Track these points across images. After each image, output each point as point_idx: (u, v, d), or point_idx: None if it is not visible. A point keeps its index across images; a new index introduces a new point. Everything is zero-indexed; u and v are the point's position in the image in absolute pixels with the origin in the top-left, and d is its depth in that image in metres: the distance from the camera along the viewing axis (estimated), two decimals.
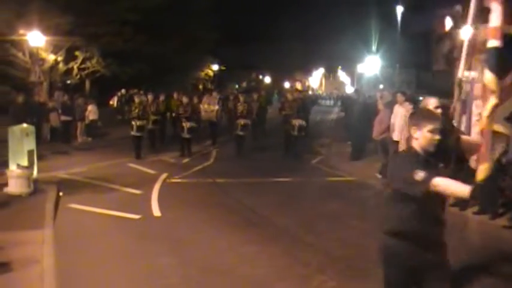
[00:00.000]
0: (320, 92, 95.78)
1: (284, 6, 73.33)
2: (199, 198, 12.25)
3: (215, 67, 55.71)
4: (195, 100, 21.51)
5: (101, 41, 29.33)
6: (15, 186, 11.19)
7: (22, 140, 12.15)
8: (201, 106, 22.98)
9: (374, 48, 47.27)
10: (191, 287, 6.81)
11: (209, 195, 12.60)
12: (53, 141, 20.92)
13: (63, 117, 21.53)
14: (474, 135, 6.92)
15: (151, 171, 15.15)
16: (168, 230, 9.48)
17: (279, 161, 17.70)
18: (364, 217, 10.40)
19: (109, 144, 20.95)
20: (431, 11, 22.18)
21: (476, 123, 9.10)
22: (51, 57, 28.12)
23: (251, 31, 65.33)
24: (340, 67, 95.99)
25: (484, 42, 4.41)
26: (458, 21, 17.60)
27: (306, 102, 23.20)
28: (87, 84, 35.19)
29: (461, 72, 8.00)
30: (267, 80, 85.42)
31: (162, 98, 21.47)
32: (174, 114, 20.68)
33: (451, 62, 19.27)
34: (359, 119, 17.69)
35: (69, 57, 29.77)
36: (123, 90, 31.83)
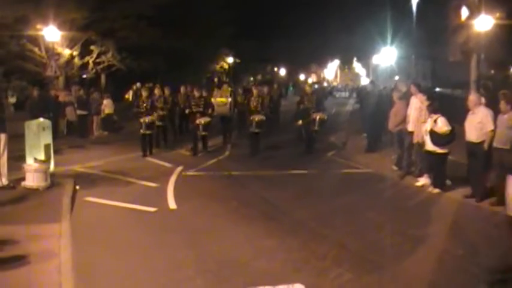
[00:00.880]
0: (335, 83, 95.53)
1: None
2: (215, 191, 12.27)
3: (230, 60, 55.54)
4: (204, 93, 19.27)
5: (117, 35, 29.46)
6: (32, 180, 11.29)
7: (39, 135, 12.26)
8: (213, 100, 20.89)
9: (389, 39, 46.86)
10: (208, 279, 6.81)
11: (225, 188, 12.62)
12: (69, 135, 21.10)
13: (79, 112, 21.68)
14: None
15: (167, 165, 15.20)
16: (184, 222, 9.51)
17: (294, 154, 17.57)
18: (380, 209, 10.37)
19: (125, 138, 21.02)
20: (447, 0, 21.93)
21: None
22: (66, 52, 28.30)
23: (266, 23, 64.95)
24: (355, 59, 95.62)
25: None
26: (474, 10, 17.40)
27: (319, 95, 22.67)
28: (103, 78, 35.33)
29: None
30: (282, 72, 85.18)
31: (167, 91, 20.14)
32: (187, 110, 18.25)
33: (467, 52, 19.04)
34: (374, 110, 17.59)
35: (85, 51, 29.91)
36: (138, 84, 31.88)
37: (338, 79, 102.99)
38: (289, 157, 17.07)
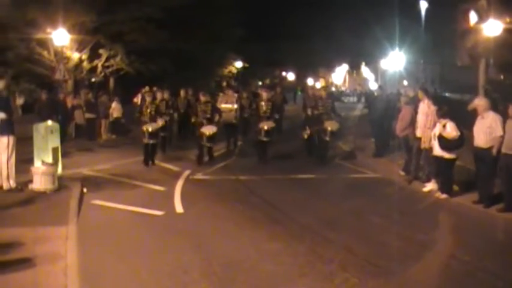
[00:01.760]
0: (343, 88, 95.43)
1: (308, 3, 73.03)
2: (222, 195, 12.27)
3: (238, 64, 55.58)
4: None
5: (125, 38, 29.56)
6: (39, 183, 11.30)
7: (47, 137, 12.33)
8: (218, 105, 19.50)
9: (398, 44, 46.83)
10: (213, 282, 6.81)
11: (232, 192, 12.60)
12: (78, 139, 21.13)
13: (87, 115, 21.71)
14: None
15: (175, 168, 15.21)
16: (191, 226, 9.51)
17: (302, 158, 17.47)
18: (387, 214, 10.35)
19: (133, 142, 20.97)
20: (455, 5, 21.90)
21: None
22: (75, 56, 28.38)
23: (275, 28, 65.14)
24: (363, 63, 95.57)
25: None
26: (483, 15, 17.37)
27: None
28: (111, 81, 35.41)
29: None
30: (291, 76, 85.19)
31: (166, 95, 19.39)
32: (193, 118, 16.62)
33: (475, 57, 19.01)
34: (382, 115, 17.55)
35: (94, 55, 29.96)
36: (147, 88, 31.88)
37: (347, 84, 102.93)
38: (297, 162, 16.98)
